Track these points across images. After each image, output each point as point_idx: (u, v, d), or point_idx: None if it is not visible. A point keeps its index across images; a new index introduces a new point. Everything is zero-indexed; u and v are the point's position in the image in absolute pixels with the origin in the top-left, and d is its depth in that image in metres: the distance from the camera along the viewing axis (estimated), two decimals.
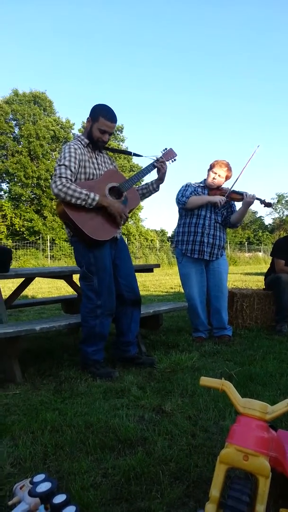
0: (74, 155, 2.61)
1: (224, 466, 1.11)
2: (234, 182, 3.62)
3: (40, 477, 1.30)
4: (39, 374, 2.72)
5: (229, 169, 3.68)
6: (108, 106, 2.75)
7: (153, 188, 3.02)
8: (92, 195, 2.56)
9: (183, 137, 67.60)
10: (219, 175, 3.65)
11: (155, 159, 2.96)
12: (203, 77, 68.21)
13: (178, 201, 3.67)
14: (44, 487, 1.24)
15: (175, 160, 3.06)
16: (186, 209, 3.66)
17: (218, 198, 3.54)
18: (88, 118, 2.75)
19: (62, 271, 3.36)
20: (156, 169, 2.96)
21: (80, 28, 54.81)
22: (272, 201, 3.58)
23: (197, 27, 63.47)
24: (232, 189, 3.61)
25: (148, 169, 2.95)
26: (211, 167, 3.71)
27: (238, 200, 3.63)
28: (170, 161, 3.04)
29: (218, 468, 1.11)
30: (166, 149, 3.05)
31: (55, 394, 2.33)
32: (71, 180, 2.56)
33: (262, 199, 3.57)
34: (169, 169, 3.01)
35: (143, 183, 3.10)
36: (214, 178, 3.65)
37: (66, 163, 2.57)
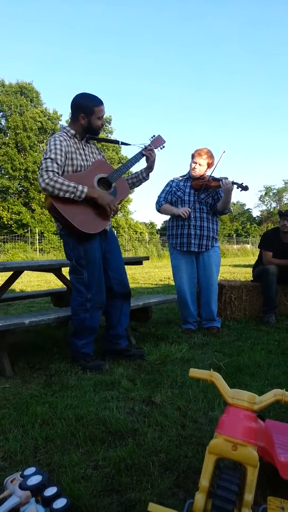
0: (60, 147, 2.57)
1: (213, 456, 1.12)
2: (205, 185, 3.60)
3: (30, 470, 1.31)
4: (29, 368, 2.72)
5: (209, 156, 3.68)
6: (87, 93, 2.70)
7: (142, 177, 2.98)
8: (80, 187, 2.52)
9: (173, 129, 67.41)
10: (199, 164, 3.66)
11: (143, 147, 2.92)
12: (195, 69, 67.94)
13: (156, 208, 3.85)
14: (35, 480, 1.25)
15: (163, 147, 3.03)
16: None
17: (182, 210, 3.56)
18: (81, 115, 2.65)
19: (51, 264, 3.33)
20: (144, 157, 2.92)
21: (67, 18, 54.05)
22: (249, 185, 3.57)
23: (191, 20, 63.07)
24: (211, 177, 3.61)
25: (136, 158, 2.90)
26: (192, 157, 3.73)
27: (218, 187, 3.63)
28: (159, 148, 3.00)
29: (207, 458, 1.13)
30: (154, 136, 3.00)
31: (45, 388, 2.33)
32: (58, 173, 2.51)
33: (239, 183, 3.57)
34: (159, 159, 2.98)
35: (132, 172, 3.07)
36: (194, 168, 3.68)
37: (52, 156, 2.52)
